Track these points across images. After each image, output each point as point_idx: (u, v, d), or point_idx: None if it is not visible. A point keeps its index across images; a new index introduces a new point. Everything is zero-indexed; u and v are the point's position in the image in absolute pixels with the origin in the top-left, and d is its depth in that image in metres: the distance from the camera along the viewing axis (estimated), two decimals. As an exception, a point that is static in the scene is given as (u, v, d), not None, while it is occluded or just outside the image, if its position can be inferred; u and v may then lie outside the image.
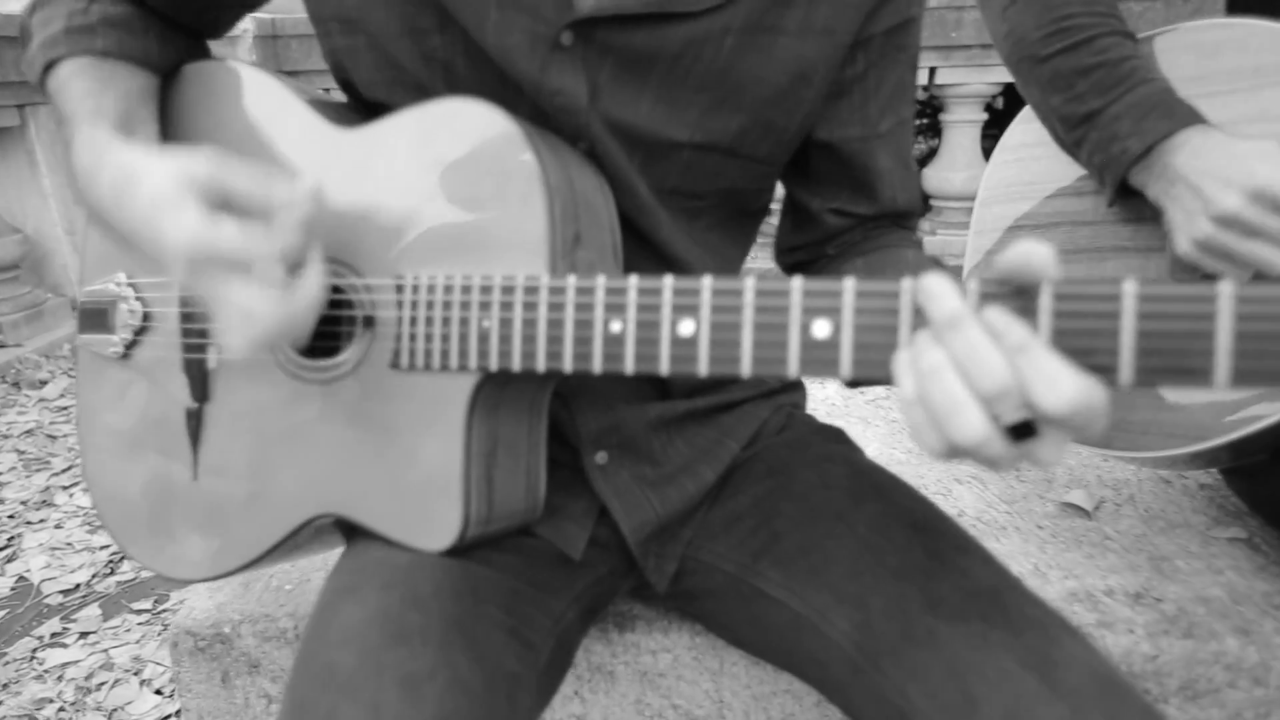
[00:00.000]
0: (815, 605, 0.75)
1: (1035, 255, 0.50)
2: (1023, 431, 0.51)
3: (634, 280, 0.62)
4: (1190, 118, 0.90)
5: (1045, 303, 0.52)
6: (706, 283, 0.60)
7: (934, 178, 4.13)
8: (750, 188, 0.84)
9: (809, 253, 0.90)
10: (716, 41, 0.73)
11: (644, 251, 0.79)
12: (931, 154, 4.95)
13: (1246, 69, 0.95)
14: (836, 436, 0.96)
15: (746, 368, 0.60)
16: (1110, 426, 1.00)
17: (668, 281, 0.61)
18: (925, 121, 5.17)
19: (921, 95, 4.21)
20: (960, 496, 1.23)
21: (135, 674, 1.73)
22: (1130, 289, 0.50)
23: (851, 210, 0.86)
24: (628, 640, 0.97)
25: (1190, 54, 0.99)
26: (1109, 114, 0.94)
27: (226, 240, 0.61)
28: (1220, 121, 0.95)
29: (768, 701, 0.98)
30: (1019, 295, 0.52)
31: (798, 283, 0.58)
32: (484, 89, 0.73)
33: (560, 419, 0.82)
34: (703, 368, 0.61)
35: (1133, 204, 0.98)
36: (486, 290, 0.67)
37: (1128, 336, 0.50)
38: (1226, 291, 0.48)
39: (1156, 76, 0.94)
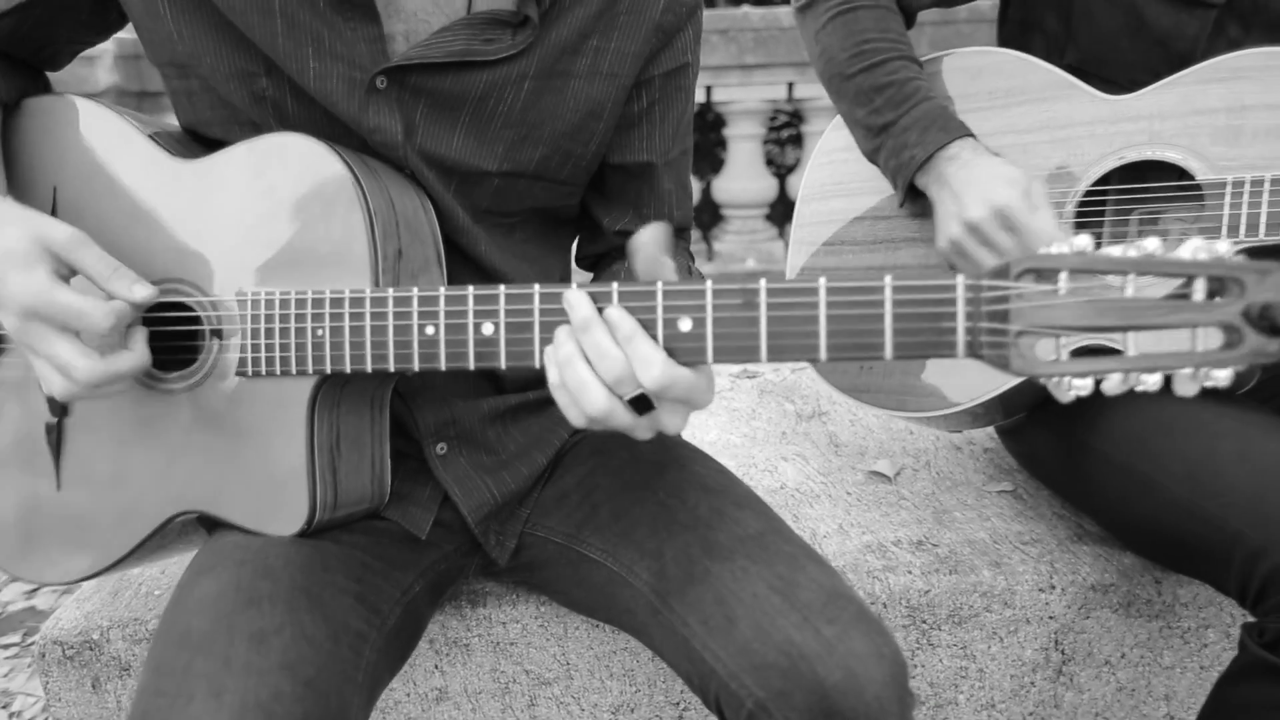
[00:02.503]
0: (624, 561, 0.88)
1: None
2: (643, 404, 0.65)
3: (443, 290, 0.74)
4: (962, 130, 1.08)
5: (764, 296, 0.66)
6: (501, 290, 0.73)
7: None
8: (558, 204, 0.97)
9: (595, 259, 1.04)
10: (516, 85, 0.85)
11: (468, 266, 0.91)
12: (796, 164, 5.22)
13: (1001, 90, 1.14)
14: None
15: (537, 361, 0.72)
16: (903, 391, 1.17)
17: (470, 290, 0.73)
18: (790, 134, 5.46)
19: (788, 108, 4.45)
20: (784, 472, 1.39)
21: (4, 707, 1.72)
22: (823, 283, 0.64)
23: (630, 229, 0.99)
24: (480, 615, 1.08)
25: (961, 75, 1.18)
26: (899, 126, 1.11)
27: (63, 305, 0.71)
28: (982, 132, 1.14)
29: (609, 660, 1.10)
30: (738, 292, 0.67)
31: (574, 285, 0.71)
32: (313, 126, 0.83)
33: (402, 415, 0.92)
34: (499, 363, 0.73)
35: (921, 202, 1.16)
36: (319, 303, 0.77)
37: (821, 325, 0.65)
38: (887, 283, 0.63)
39: (936, 95, 1.12)
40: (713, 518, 0.84)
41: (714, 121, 4.39)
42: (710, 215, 4.51)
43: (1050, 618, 1.11)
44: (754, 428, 1.54)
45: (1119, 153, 1.04)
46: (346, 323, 0.76)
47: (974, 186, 1.02)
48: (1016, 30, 1.15)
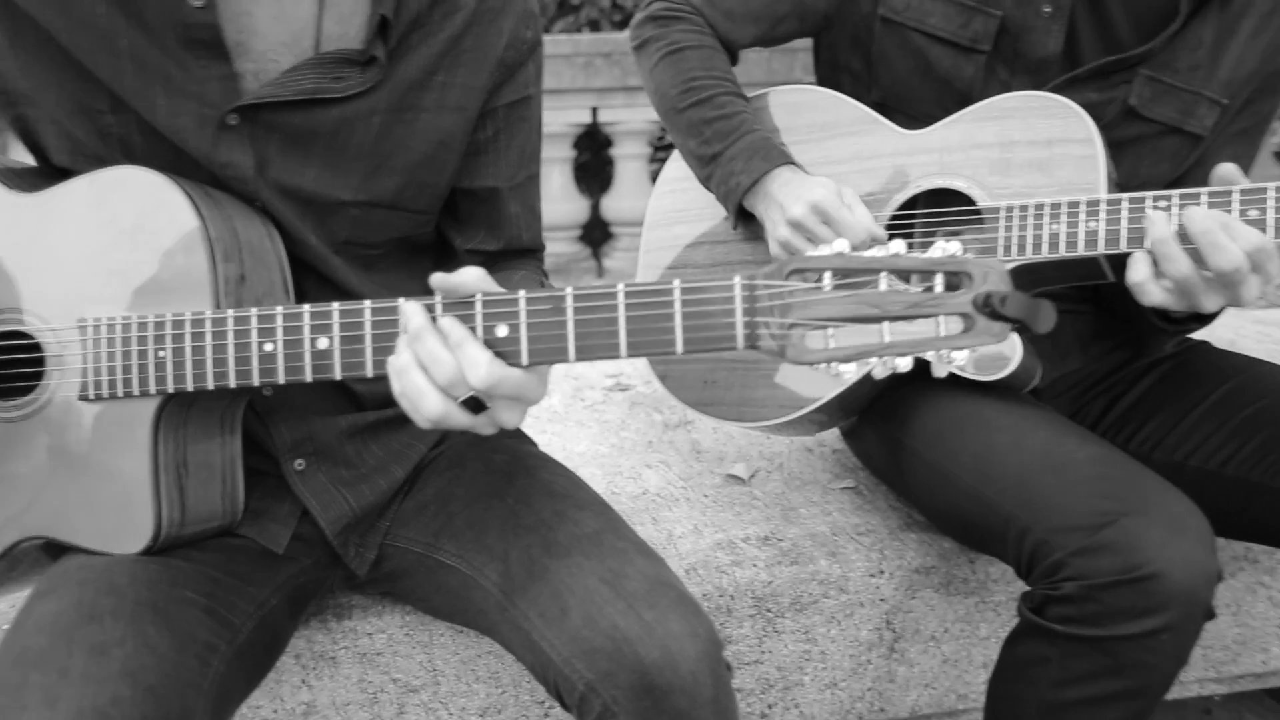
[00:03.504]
0: (475, 565, 0.93)
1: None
2: (477, 404, 0.72)
3: (280, 308, 0.79)
4: (782, 158, 1.18)
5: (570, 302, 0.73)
6: (335, 306, 0.78)
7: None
8: (416, 234, 1.02)
9: None
10: (366, 120, 0.91)
11: (327, 290, 0.95)
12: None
13: (818, 124, 1.26)
14: (514, 434, 1.15)
15: (370, 370, 0.77)
16: (741, 404, 1.26)
17: (305, 308, 0.78)
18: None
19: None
20: (648, 478, 1.46)
21: None
22: (621, 288, 0.72)
23: (483, 248, 1.05)
24: (345, 627, 1.11)
25: (784, 110, 1.29)
26: (726, 155, 1.21)
27: None
28: (803, 162, 1.25)
29: (475, 664, 1.15)
30: (547, 299, 0.74)
31: (401, 301, 0.76)
32: (161, 161, 0.86)
33: (259, 433, 0.96)
34: (336, 374, 0.78)
35: (753, 226, 1.26)
36: (160, 325, 0.81)
37: (621, 326, 0.72)
38: (678, 286, 0.71)
39: (760, 127, 1.22)
40: (554, 520, 0.91)
41: (603, 142, 4.50)
42: (601, 233, 4.59)
43: (881, 600, 1.22)
44: (623, 438, 1.62)
45: (917, 181, 1.17)
46: (188, 343, 0.80)
47: (793, 193, 1.13)
48: (828, 70, 1.27)
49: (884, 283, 0.70)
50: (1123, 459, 1.00)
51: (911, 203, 1.19)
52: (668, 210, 1.38)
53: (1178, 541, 0.87)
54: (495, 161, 1.02)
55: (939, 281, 0.69)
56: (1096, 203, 1.03)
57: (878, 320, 0.69)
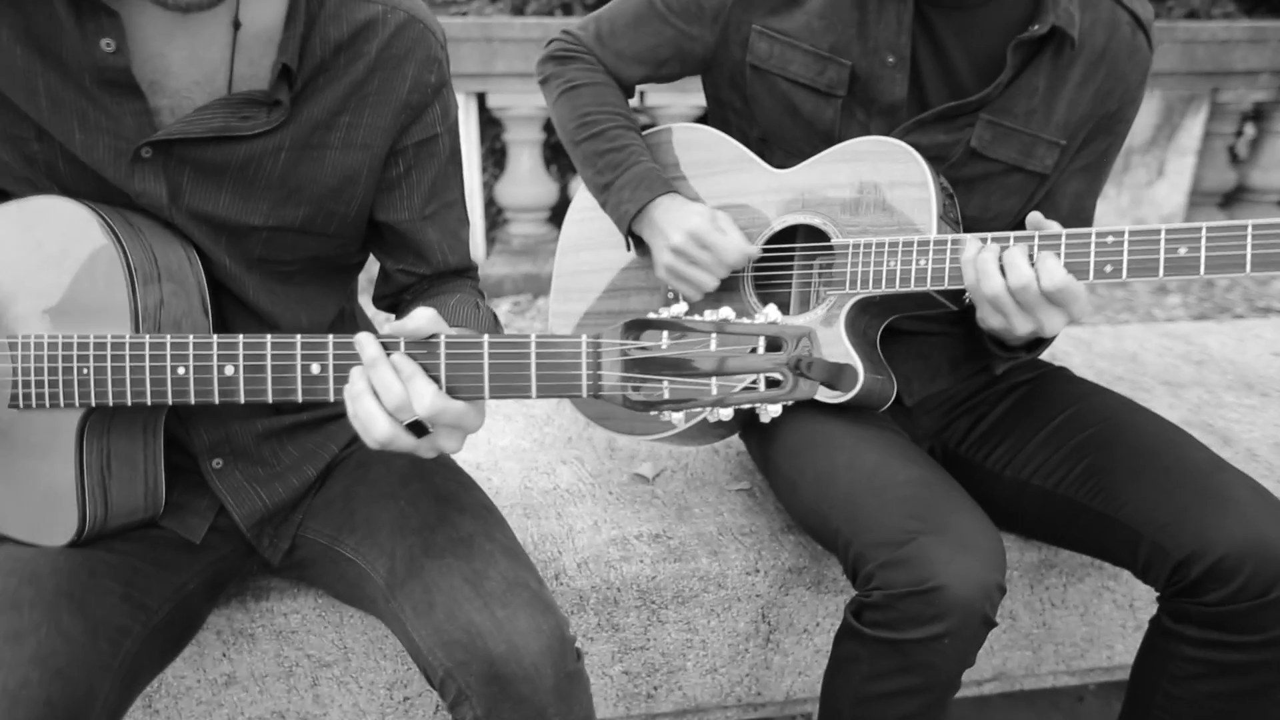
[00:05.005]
0: (369, 559, 1.04)
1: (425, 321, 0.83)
2: (421, 429, 0.83)
3: (191, 337, 0.89)
4: (664, 187, 1.29)
5: (443, 350, 0.84)
6: (240, 338, 0.88)
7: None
8: (332, 254, 1.11)
9: (393, 299, 1.20)
10: (273, 156, 1.00)
11: (243, 310, 1.05)
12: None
13: (703, 161, 1.37)
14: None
15: (270, 397, 0.88)
16: (631, 419, 1.38)
17: (214, 338, 0.88)
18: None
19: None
20: (560, 474, 1.58)
21: None
22: (486, 339, 0.83)
23: (413, 270, 1.15)
24: (263, 607, 1.22)
25: (675, 148, 1.40)
26: (616, 185, 1.31)
27: None
28: (691, 197, 1.35)
29: (382, 643, 1.27)
30: (423, 344, 0.84)
31: (298, 336, 0.87)
32: (85, 186, 0.95)
33: (179, 434, 1.06)
34: (240, 398, 0.88)
35: (648, 251, 1.36)
36: (84, 346, 0.90)
37: (485, 371, 0.83)
38: (533, 340, 0.82)
39: (646, 158, 1.32)
40: (436, 522, 1.02)
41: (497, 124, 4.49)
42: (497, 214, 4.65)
43: (757, 596, 1.35)
44: (545, 433, 1.73)
45: (782, 217, 1.28)
46: (109, 363, 0.90)
47: (672, 221, 1.24)
48: (715, 105, 1.37)
49: (714, 343, 0.81)
50: (939, 480, 1.12)
51: (782, 235, 1.30)
52: (575, 238, 1.49)
53: (963, 559, 1.00)
54: (408, 196, 1.11)
55: (761, 344, 0.81)
56: (926, 242, 1.14)
57: (706, 376, 0.81)
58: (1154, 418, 1.25)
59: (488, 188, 4.62)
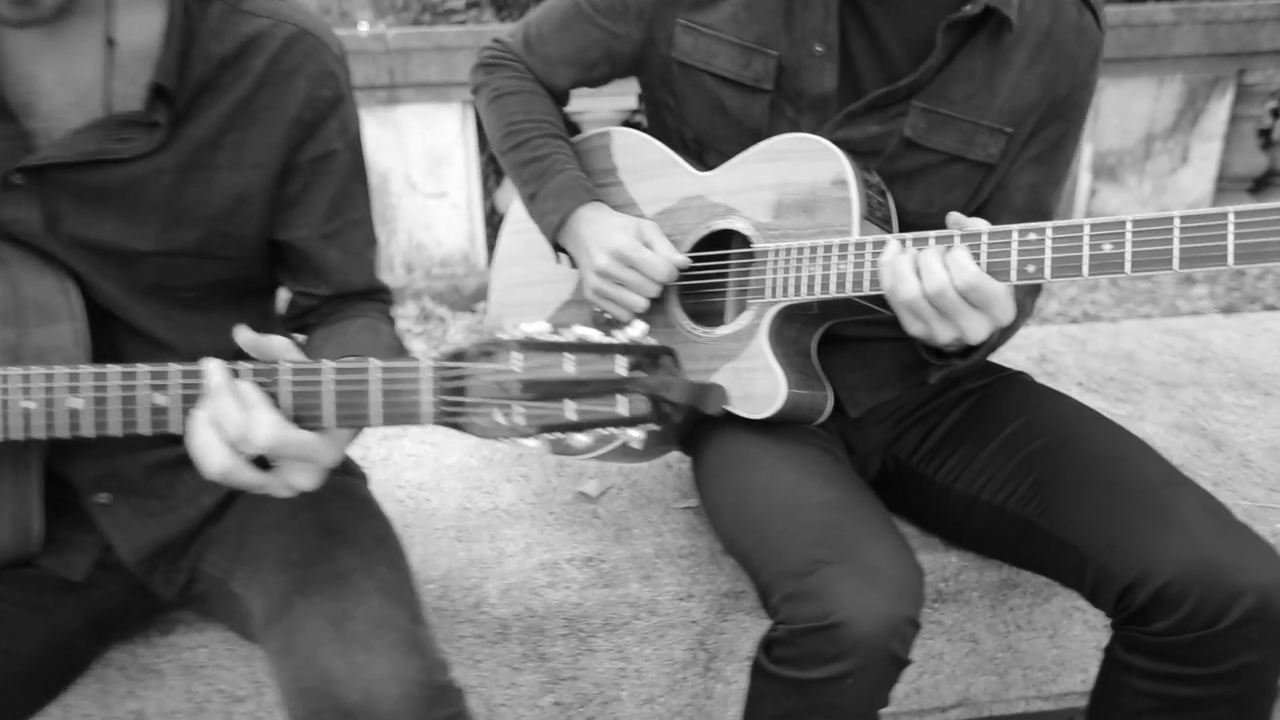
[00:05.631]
0: (252, 594, 0.99)
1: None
2: (265, 463, 0.78)
3: (37, 369, 0.84)
4: (587, 196, 1.22)
5: (285, 377, 0.79)
6: (86, 369, 0.83)
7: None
8: (235, 277, 1.06)
9: (299, 322, 1.15)
10: (156, 178, 0.95)
11: (138, 338, 1.01)
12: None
13: (630, 166, 1.30)
14: (342, 468, 1.20)
15: (118, 431, 0.83)
16: None
17: (60, 369, 0.84)
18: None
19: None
20: (503, 493, 1.52)
21: None
22: (326, 364, 0.77)
23: (313, 291, 1.10)
24: (169, 641, 1.18)
25: (604, 153, 1.33)
26: (541, 195, 1.25)
27: None
28: (618, 204, 1.29)
29: (298, 676, 1.22)
30: (266, 370, 0.79)
31: (144, 366, 0.82)
32: None
33: (62, 469, 1.02)
34: (89, 432, 0.84)
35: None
36: (-73, 380, 0.87)
37: (330, 400, 0.78)
38: (375, 365, 0.76)
39: (570, 167, 1.26)
40: (316, 556, 0.97)
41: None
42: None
43: (692, 622, 1.27)
44: (494, 449, 1.67)
45: (707, 223, 1.20)
46: (-47, 398, 0.86)
47: (595, 240, 1.17)
48: (651, 107, 1.30)
49: (570, 364, 0.74)
50: (857, 504, 1.04)
51: (718, 241, 1.22)
52: (511, 250, 1.43)
53: (868, 592, 0.92)
54: (306, 214, 1.05)
55: (622, 363, 0.74)
56: (846, 245, 1.06)
57: (558, 399, 0.74)
58: (1108, 427, 1.16)
59: (489, 196, 4.60)
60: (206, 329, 1.06)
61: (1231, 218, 0.82)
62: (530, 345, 0.74)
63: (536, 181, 1.26)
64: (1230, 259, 0.82)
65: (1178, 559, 0.95)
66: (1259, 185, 4.96)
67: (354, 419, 0.77)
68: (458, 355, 0.75)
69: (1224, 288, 4.36)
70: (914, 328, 1.01)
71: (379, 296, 1.16)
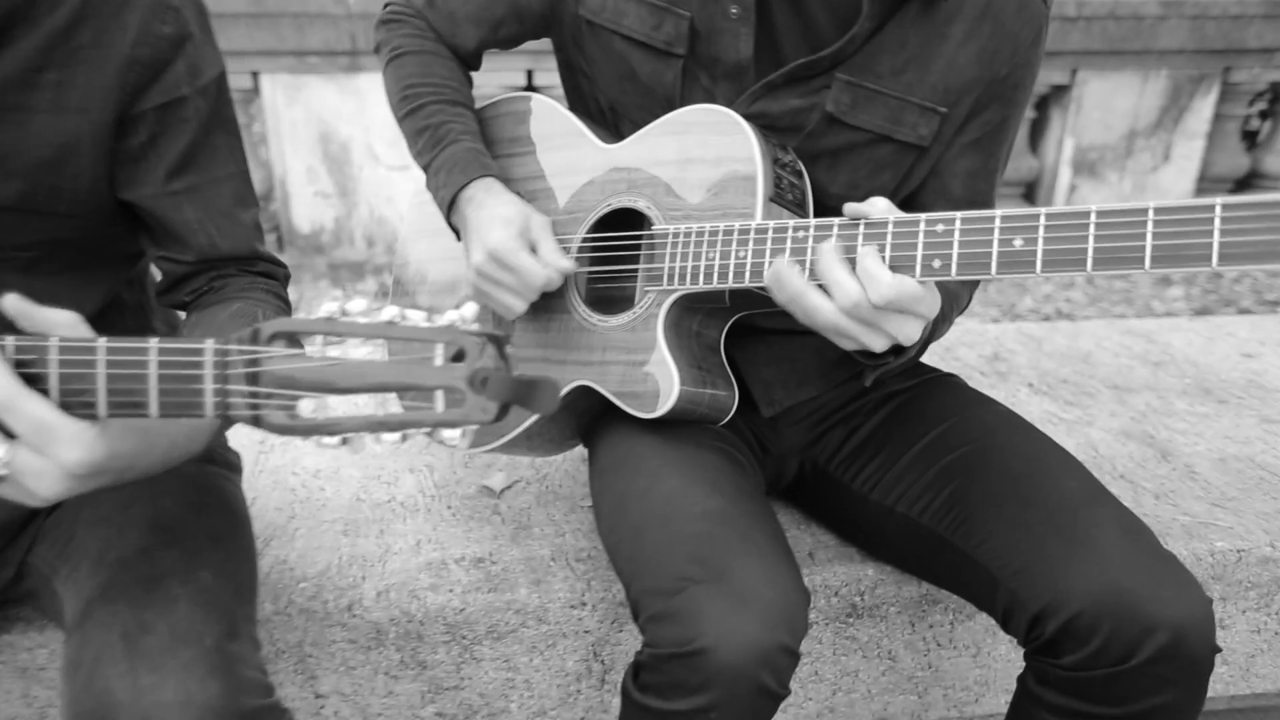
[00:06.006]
0: (70, 595, 0.89)
1: None
2: None
3: None
4: (481, 171, 1.10)
5: (54, 356, 0.68)
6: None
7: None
8: (78, 237, 0.95)
9: (173, 296, 1.03)
10: None
11: None
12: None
13: (535, 135, 1.19)
14: (207, 456, 1.09)
15: None
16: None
17: None
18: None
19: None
20: (403, 483, 1.42)
21: None
22: (102, 343, 0.67)
23: (176, 258, 0.99)
24: (5, 640, 1.08)
25: (510, 120, 1.22)
26: (434, 167, 1.14)
27: None
28: (519, 176, 1.18)
29: (152, 680, 1.12)
30: (32, 344, 0.68)
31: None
32: None
33: None
34: None
35: None
36: None
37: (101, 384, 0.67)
38: (154, 346, 0.66)
39: (466, 138, 1.14)
40: (135, 558, 0.86)
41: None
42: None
43: (585, 632, 1.18)
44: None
45: (607, 200, 1.09)
46: None
47: (477, 231, 1.06)
48: (566, 71, 1.19)
49: (380, 351, 0.64)
50: (741, 514, 0.94)
51: (607, 222, 1.12)
52: (417, 223, 1.32)
53: (736, 616, 0.82)
54: (155, 168, 0.95)
55: (438, 352, 0.64)
56: (747, 231, 0.96)
57: (357, 391, 0.64)
58: (1033, 438, 1.07)
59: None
60: (52, 296, 0.95)
61: (1151, 214, 0.73)
62: (332, 328, 0.64)
63: (430, 152, 1.15)
64: (1147, 262, 0.72)
65: (1089, 588, 0.86)
66: (1240, 187, 4.88)
67: (130, 407, 0.66)
68: (246, 338, 0.64)
69: (1200, 289, 4.29)
70: (843, 344, 0.89)
71: (262, 270, 1.05)
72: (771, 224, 0.94)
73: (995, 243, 0.80)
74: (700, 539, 0.88)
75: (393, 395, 0.65)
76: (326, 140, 4.20)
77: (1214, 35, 4.48)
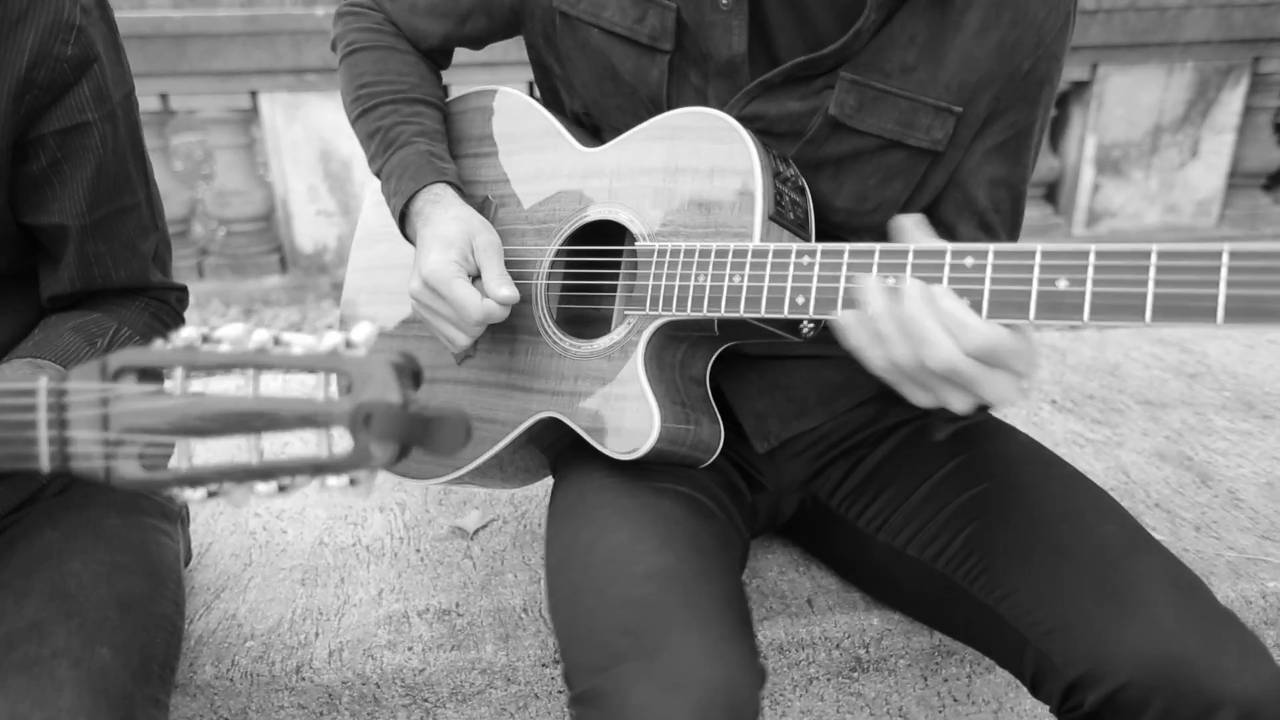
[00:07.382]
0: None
1: None
2: None
3: None
4: (430, 177, 1.00)
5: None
6: None
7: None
8: None
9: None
10: None
11: None
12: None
13: (505, 135, 1.08)
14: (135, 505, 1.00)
15: None
16: (419, 459, 1.10)
17: None
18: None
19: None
20: (372, 524, 1.32)
21: None
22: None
23: (63, 292, 0.92)
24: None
25: (480, 116, 1.11)
26: (385, 172, 1.04)
27: None
28: (486, 179, 1.08)
29: None
30: None
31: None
32: None
33: None
34: None
35: None
36: None
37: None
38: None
39: (419, 141, 1.04)
40: (25, 633, 0.78)
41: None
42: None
43: (559, 692, 1.07)
44: (381, 474, 1.47)
45: (584, 210, 0.98)
46: None
47: (419, 252, 0.96)
48: (541, 74, 1.09)
49: (256, 383, 0.53)
50: (690, 575, 0.81)
51: (600, 230, 1.01)
52: (371, 226, 1.22)
53: (665, 703, 0.70)
54: (60, 196, 0.89)
55: (332, 384, 0.53)
56: (744, 253, 0.84)
57: (224, 435, 0.53)
58: (1063, 473, 0.94)
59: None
60: None
61: (1226, 259, 0.60)
62: (191, 359, 0.53)
63: (381, 157, 1.04)
64: (1220, 315, 0.60)
65: (1137, 655, 0.73)
66: (1275, 181, 4.70)
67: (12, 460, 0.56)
68: (85, 374, 0.54)
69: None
70: (919, 398, 0.75)
71: (149, 293, 0.98)
72: (771, 246, 0.82)
73: (1035, 281, 0.67)
74: (636, 606, 0.77)
75: (253, 440, 0.54)
76: (327, 158, 4.14)
77: (1242, 24, 4.30)
